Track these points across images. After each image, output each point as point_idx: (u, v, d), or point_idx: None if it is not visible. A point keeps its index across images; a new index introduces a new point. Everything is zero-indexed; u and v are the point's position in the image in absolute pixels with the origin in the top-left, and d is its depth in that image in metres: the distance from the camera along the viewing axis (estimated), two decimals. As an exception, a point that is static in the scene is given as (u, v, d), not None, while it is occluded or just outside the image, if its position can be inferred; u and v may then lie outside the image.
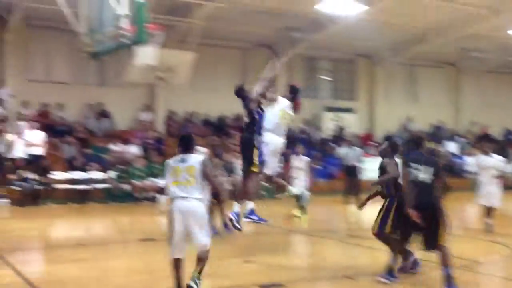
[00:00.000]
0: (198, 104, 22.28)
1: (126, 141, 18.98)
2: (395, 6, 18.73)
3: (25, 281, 6.47)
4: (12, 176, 15.68)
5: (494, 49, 24.00)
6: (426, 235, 6.38)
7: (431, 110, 26.94)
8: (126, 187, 16.75)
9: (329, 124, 25.03)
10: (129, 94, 21.18)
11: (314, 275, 7.39)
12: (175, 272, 5.79)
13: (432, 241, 6.32)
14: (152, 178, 16.84)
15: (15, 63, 19.49)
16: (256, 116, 8.15)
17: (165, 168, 6.05)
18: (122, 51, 9.83)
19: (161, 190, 15.25)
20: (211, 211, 8.53)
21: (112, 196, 16.68)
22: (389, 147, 7.55)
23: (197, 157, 6.01)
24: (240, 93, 8.42)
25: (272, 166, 8.61)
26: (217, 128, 22.16)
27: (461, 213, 14.42)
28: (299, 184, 12.65)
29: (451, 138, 26.06)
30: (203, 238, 5.79)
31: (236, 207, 8.00)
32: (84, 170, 17.08)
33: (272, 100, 8.62)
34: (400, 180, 7.02)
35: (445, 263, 6.23)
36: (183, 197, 5.76)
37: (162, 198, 15.45)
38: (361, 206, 7.71)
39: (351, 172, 16.78)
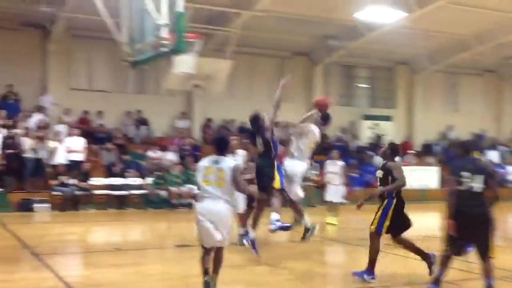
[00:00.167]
0: (234, 112, 22.38)
1: (163, 148, 19.23)
2: (434, 13, 18.47)
3: (65, 285, 6.60)
4: (53, 182, 16.04)
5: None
6: (477, 247, 6.18)
7: (472, 118, 26.45)
8: (163, 193, 16.94)
9: (366, 132, 24.81)
10: (167, 102, 21.49)
11: (348, 284, 7.31)
12: (204, 257, 6.03)
13: (483, 253, 6.11)
14: (188, 185, 16.99)
15: (57, 72, 20.02)
16: (272, 145, 8.13)
17: (198, 166, 6.25)
18: (161, 59, 9.99)
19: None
20: (245, 218, 8.63)
21: (150, 202, 16.89)
22: (389, 149, 7.47)
23: (230, 161, 6.20)
24: (255, 122, 8.39)
25: (295, 192, 8.61)
26: (253, 136, 22.15)
27: (503, 224, 14.07)
28: (334, 189, 12.59)
29: (492, 147, 25.50)
30: (222, 239, 6.01)
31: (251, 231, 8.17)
32: (122, 176, 17.35)
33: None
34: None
35: (488, 274, 6.06)
36: (211, 197, 5.98)
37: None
38: (359, 206, 7.63)
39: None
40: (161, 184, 17.01)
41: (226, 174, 6.01)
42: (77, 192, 16.04)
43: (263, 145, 8.26)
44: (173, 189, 16.79)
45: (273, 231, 8.05)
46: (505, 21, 19.82)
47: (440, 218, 6.18)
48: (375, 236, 7.17)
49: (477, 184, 6.10)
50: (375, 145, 23.75)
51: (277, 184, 8.01)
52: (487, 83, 27.39)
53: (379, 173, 7.33)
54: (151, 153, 18.82)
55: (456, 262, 6.36)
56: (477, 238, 6.11)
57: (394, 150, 7.51)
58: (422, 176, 22.00)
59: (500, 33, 20.83)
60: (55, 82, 19.92)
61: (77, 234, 12.04)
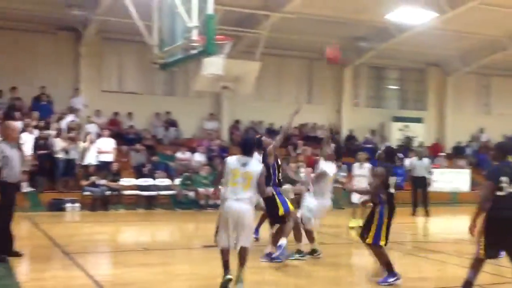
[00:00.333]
0: (262, 113, 22.40)
1: (191, 149, 19.33)
2: (466, 14, 18.16)
3: (95, 283, 6.66)
4: (84, 182, 16.26)
5: None
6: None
7: (504, 120, 25.90)
8: (191, 194, 17.01)
9: (396, 134, 24.54)
10: (195, 104, 21.61)
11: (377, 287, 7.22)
12: (224, 256, 6.28)
13: None
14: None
15: (89, 74, 20.32)
16: (271, 171, 7.94)
17: (225, 165, 6.34)
18: (190, 61, 10.04)
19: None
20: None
21: (178, 203, 16.98)
22: (384, 153, 7.40)
23: (257, 165, 6.40)
24: (259, 145, 8.09)
25: (313, 223, 8.59)
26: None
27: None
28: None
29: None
30: (246, 240, 6.24)
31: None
32: (151, 177, 17.49)
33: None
34: (391, 189, 6.95)
35: None
36: (237, 199, 6.16)
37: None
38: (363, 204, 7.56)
39: (420, 183, 16.34)
40: (189, 185, 17.10)
41: (253, 177, 6.20)
42: (107, 192, 16.22)
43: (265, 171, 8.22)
44: (201, 190, 16.85)
45: (271, 259, 8.00)
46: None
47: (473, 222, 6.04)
48: (374, 247, 7.07)
49: None
50: (405, 147, 23.47)
51: (281, 211, 7.90)
52: (521, 85, 26.84)
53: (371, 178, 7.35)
54: (179, 154, 18.96)
55: (487, 266, 6.21)
56: None
57: (389, 154, 7.43)
58: (453, 179, 21.67)
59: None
60: (87, 84, 20.22)
61: (106, 234, 12.17)
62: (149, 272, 7.49)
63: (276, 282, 7.16)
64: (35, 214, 14.11)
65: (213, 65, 14.94)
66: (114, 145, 17.62)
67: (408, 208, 16.50)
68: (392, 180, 7.06)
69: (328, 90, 24.19)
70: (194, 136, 21.16)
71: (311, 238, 8.60)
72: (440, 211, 17.46)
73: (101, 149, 17.24)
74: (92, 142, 17.17)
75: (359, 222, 12.43)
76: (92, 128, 18.49)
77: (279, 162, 8.20)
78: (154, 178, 17.49)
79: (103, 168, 16.85)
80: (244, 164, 6.23)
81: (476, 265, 6.16)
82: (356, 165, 12.87)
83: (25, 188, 15.48)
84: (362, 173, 12.63)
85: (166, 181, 17.63)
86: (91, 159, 16.94)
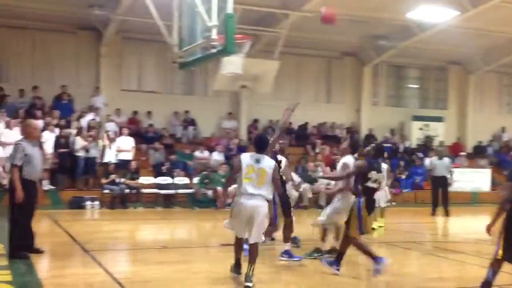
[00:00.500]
0: (281, 113, 22.25)
1: (210, 148, 19.39)
2: (488, 12, 17.92)
3: (114, 280, 6.72)
4: (103, 180, 16.40)
5: None
6: None
7: (526, 120, 25.61)
8: (209, 193, 17.06)
9: (416, 133, 24.36)
10: (214, 103, 21.69)
11: (396, 287, 7.17)
12: (237, 248, 6.64)
13: None
14: (234, 185, 17.01)
15: (109, 73, 20.52)
16: None
17: (239, 161, 6.51)
18: (209, 60, 10.07)
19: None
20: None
21: (196, 202, 17.04)
22: (373, 150, 7.51)
23: (270, 161, 6.59)
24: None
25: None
26: (299, 137, 22.16)
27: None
28: (379, 192, 12.29)
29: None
30: (258, 235, 6.44)
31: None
32: (170, 175, 17.58)
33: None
34: (370, 183, 7.08)
35: None
36: (251, 195, 6.36)
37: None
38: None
39: (440, 183, 16.17)
40: (208, 184, 17.15)
41: (267, 173, 6.40)
42: (126, 191, 16.34)
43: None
44: (219, 188, 16.87)
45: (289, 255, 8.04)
46: None
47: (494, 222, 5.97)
48: (353, 240, 7.20)
49: None
50: (425, 147, 23.30)
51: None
52: (544, 83, 26.48)
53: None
54: (198, 153, 19.03)
55: (506, 266, 6.14)
56: None
57: (378, 151, 7.53)
58: (473, 179, 21.46)
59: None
60: (107, 83, 20.41)
61: (125, 232, 12.26)
62: (168, 270, 7.53)
63: (288, 281, 7.15)
64: (56, 211, 14.27)
65: (232, 64, 14.96)
66: (133, 143, 17.75)
67: (427, 208, 16.37)
68: (374, 175, 7.16)
69: (347, 89, 24.08)
70: (213, 135, 21.23)
71: (333, 238, 8.52)
72: (460, 211, 17.27)
73: (121, 148, 17.39)
74: (111, 140, 17.32)
75: (380, 222, 12.39)
76: (111, 126, 18.65)
77: (278, 159, 8.15)
78: (172, 177, 17.59)
79: (122, 166, 16.98)
80: (258, 161, 6.43)
81: (495, 265, 6.10)
82: None
83: (46, 186, 15.69)
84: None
85: (185, 180, 17.72)
86: (110, 157, 17.09)
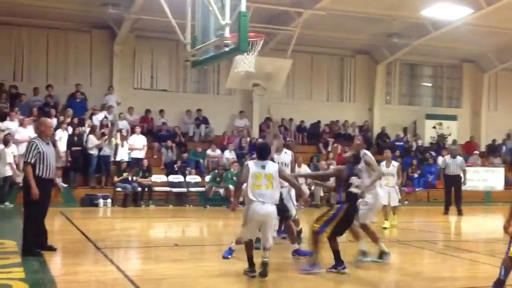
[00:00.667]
0: (293, 111, 22.35)
1: (222, 147, 19.42)
2: (503, 10, 17.73)
3: (126, 278, 6.75)
4: (116, 178, 16.49)
5: None
6: None
7: (541, 118, 25.34)
8: (221, 191, 17.09)
9: (429, 131, 24.21)
10: (226, 101, 21.73)
11: (408, 286, 7.14)
12: (249, 251, 6.80)
13: None
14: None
15: (122, 72, 20.63)
16: None
17: (245, 169, 6.76)
18: (222, 59, 10.08)
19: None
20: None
21: (208, 200, 17.08)
22: (352, 157, 7.61)
23: (274, 165, 6.98)
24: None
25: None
26: (311, 135, 22.13)
27: None
28: (389, 191, 12.22)
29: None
30: (270, 239, 6.80)
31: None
32: (182, 174, 17.63)
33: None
34: (353, 189, 7.15)
35: None
36: (263, 202, 6.64)
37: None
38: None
39: (453, 181, 16.06)
40: (219, 182, 17.17)
41: (274, 177, 6.74)
42: (138, 189, 16.41)
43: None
44: (231, 187, 16.90)
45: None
46: None
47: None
48: (315, 235, 7.25)
49: None
50: (438, 145, 23.17)
51: None
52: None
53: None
54: (210, 152, 19.07)
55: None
56: None
57: (356, 157, 7.63)
58: (487, 177, 21.29)
59: None
60: (120, 81, 20.51)
61: (137, 230, 12.33)
62: (179, 267, 7.55)
63: (303, 278, 7.14)
64: (69, 209, 14.39)
65: (245, 63, 14.99)
66: (145, 142, 17.84)
67: (440, 206, 16.27)
68: (355, 181, 7.25)
69: (360, 88, 23.99)
70: (225, 133, 21.26)
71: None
72: (473, 210, 17.16)
73: (133, 146, 17.47)
74: (124, 139, 17.41)
75: (393, 221, 12.34)
76: (124, 125, 18.74)
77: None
78: (184, 175, 17.64)
79: (134, 164, 17.06)
80: (263, 166, 6.76)
81: (508, 263, 6.05)
82: (383, 163, 12.65)
83: (59, 184, 15.81)
84: (390, 172, 12.42)
85: (197, 178, 17.77)
86: (123, 155, 17.18)
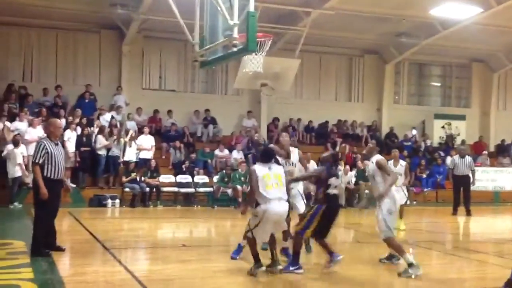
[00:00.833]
0: (301, 111, 22.34)
1: (230, 147, 19.42)
2: (512, 9, 17.67)
3: (134, 278, 6.77)
4: (124, 179, 16.53)
5: None
6: None
7: (551, 118, 25.16)
8: (229, 191, 17.09)
9: (438, 131, 24.11)
10: (234, 101, 21.74)
11: (416, 287, 7.11)
12: (254, 247, 6.92)
13: None
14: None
15: (131, 72, 20.69)
16: None
17: (253, 175, 6.82)
18: (230, 59, 10.09)
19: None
20: None
21: (216, 200, 17.09)
22: (331, 157, 7.69)
23: (278, 166, 7.12)
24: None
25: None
26: (319, 135, 22.10)
27: None
28: (396, 190, 12.12)
29: None
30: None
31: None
32: (190, 174, 17.65)
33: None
34: (331, 190, 7.21)
35: None
36: (279, 200, 6.78)
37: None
38: None
39: (462, 182, 15.99)
40: (227, 182, 17.18)
41: (282, 176, 6.95)
42: (147, 189, 16.45)
43: None
44: (239, 187, 16.92)
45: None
46: None
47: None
48: (297, 236, 7.35)
49: None
50: (447, 145, 23.07)
51: None
52: None
53: None
54: (218, 152, 19.08)
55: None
56: None
57: (334, 158, 7.73)
58: (496, 178, 21.18)
59: None
60: (128, 82, 20.56)
61: (146, 230, 12.36)
62: (187, 268, 7.57)
63: (313, 277, 7.14)
64: (77, 210, 14.44)
65: (253, 63, 14.99)
66: (153, 142, 17.87)
67: (449, 207, 16.20)
68: (334, 181, 7.32)
69: (368, 87, 23.93)
70: (233, 133, 21.27)
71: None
72: (482, 210, 17.07)
73: (141, 146, 17.51)
74: (132, 139, 17.45)
75: (400, 224, 12.27)
76: (132, 125, 18.79)
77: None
78: (192, 175, 17.67)
79: (142, 165, 17.11)
80: (270, 168, 6.91)
81: None
82: (391, 163, 12.57)
83: (68, 184, 15.85)
84: (397, 171, 12.33)
85: (205, 179, 17.80)
86: (131, 156, 17.22)
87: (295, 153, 8.68)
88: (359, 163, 18.81)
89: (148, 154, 17.50)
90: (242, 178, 16.92)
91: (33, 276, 6.64)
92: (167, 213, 15.56)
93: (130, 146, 17.31)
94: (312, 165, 16.72)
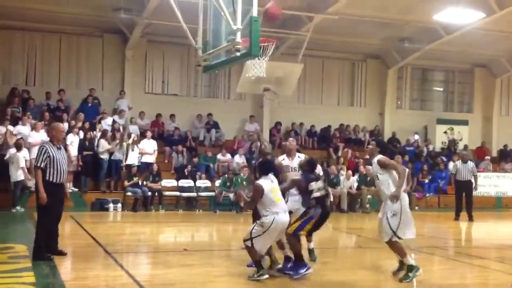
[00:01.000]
0: (304, 115, 22.36)
1: (232, 151, 19.43)
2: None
3: (135, 283, 6.77)
4: (126, 183, 16.54)
5: None
6: None
7: (554, 124, 25.12)
8: (231, 195, 17.09)
9: (440, 136, 24.10)
10: (237, 106, 21.76)
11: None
12: (254, 254, 6.93)
13: None
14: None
15: (134, 76, 20.75)
16: None
17: (259, 190, 6.85)
18: (233, 64, 10.11)
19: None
20: None
21: (218, 204, 17.08)
22: (306, 163, 7.83)
23: (274, 178, 7.16)
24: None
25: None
26: (321, 140, 22.10)
27: None
28: None
29: None
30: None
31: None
32: (192, 178, 17.65)
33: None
34: (316, 194, 7.39)
35: None
36: (285, 211, 7.02)
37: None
38: None
39: (464, 187, 15.96)
40: (229, 187, 17.17)
41: (279, 188, 7.13)
42: (149, 193, 16.45)
43: None
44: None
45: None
46: None
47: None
48: (291, 236, 7.37)
49: None
50: (449, 151, 23.05)
51: None
52: None
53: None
54: (220, 156, 19.09)
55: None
56: None
57: (310, 164, 7.83)
58: (498, 183, 21.16)
59: None
60: (131, 86, 20.61)
61: (147, 234, 12.36)
62: (189, 272, 7.56)
63: (315, 282, 7.13)
64: (79, 214, 14.43)
65: (256, 67, 15.01)
66: (155, 146, 17.89)
67: (451, 212, 16.17)
68: (315, 185, 7.50)
69: (371, 92, 23.94)
70: (235, 138, 21.28)
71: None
72: (484, 216, 17.04)
73: (143, 151, 17.53)
74: (135, 143, 17.47)
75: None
76: (135, 129, 18.81)
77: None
78: (194, 180, 17.67)
79: (144, 169, 17.12)
80: (273, 181, 7.07)
81: None
82: None
83: (70, 188, 15.89)
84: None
85: (207, 183, 17.80)
86: (133, 160, 17.24)
87: (302, 158, 8.67)
88: (361, 168, 18.83)
89: (150, 158, 17.51)
90: (244, 183, 16.90)
91: (35, 280, 6.64)
92: (169, 218, 15.56)
93: (133, 150, 17.33)
94: (319, 169, 16.72)
